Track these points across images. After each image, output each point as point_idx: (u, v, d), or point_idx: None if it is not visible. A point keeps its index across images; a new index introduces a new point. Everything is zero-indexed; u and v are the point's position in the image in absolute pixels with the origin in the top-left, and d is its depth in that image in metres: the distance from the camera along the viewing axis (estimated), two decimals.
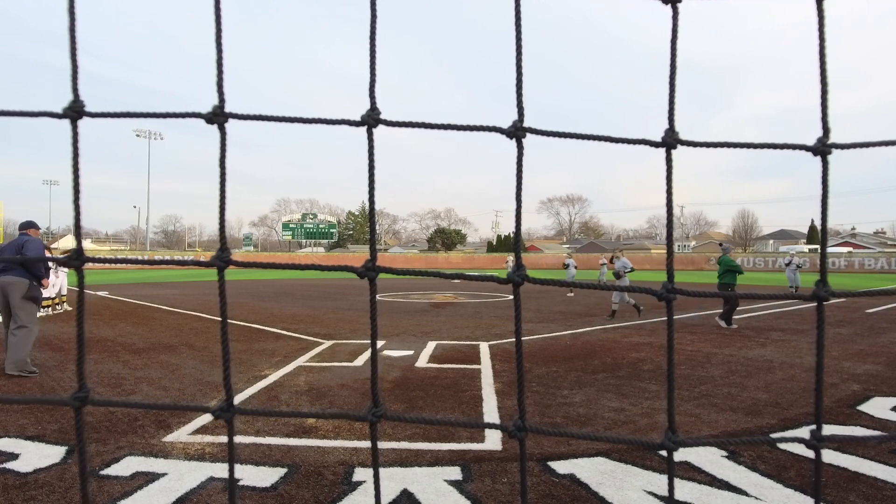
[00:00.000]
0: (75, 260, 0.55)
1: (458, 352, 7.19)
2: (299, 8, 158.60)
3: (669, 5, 0.56)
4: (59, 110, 0.54)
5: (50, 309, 11.71)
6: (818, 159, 0.62)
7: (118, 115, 0.57)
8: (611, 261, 12.56)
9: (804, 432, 4.07)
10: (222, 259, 0.59)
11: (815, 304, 0.61)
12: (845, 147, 0.58)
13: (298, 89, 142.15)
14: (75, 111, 0.54)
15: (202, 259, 0.69)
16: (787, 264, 18.10)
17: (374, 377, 0.64)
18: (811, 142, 0.63)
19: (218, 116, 0.58)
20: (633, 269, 11.83)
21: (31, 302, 5.81)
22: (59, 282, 11.79)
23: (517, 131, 0.60)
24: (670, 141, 0.59)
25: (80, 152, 0.53)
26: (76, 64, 0.54)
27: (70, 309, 12.07)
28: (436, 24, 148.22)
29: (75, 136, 0.54)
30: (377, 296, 0.70)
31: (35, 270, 5.84)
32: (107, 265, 38.77)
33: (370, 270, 0.62)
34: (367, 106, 0.63)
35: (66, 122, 0.57)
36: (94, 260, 0.61)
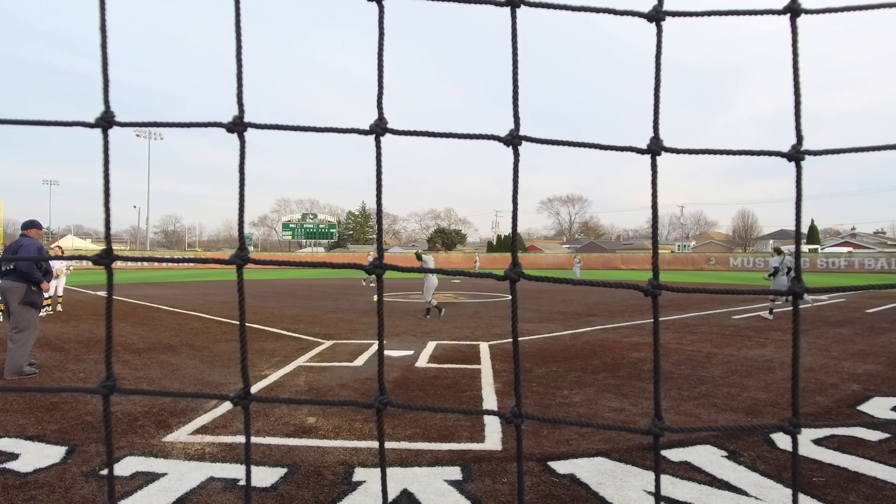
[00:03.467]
0: (104, 258, 0.58)
1: (458, 352, 7.21)
2: (300, 10, 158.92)
3: (654, 24, 0.59)
4: (90, 119, 0.57)
5: (51, 308, 11.73)
6: (818, 159, 0.66)
7: (145, 125, 0.60)
8: (418, 258, 11.91)
9: (804, 432, 4.10)
10: (241, 257, 0.62)
11: (805, 301, 0.64)
12: (818, 153, 0.61)
13: (299, 89, 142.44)
14: (106, 121, 0.57)
15: (207, 258, 0.72)
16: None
17: (381, 367, 0.67)
18: (808, 144, 0.66)
19: (238, 126, 0.61)
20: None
21: (30, 307, 5.72)
22: (54, 283, 11.69)
23: (514, 139, 0.63)
24: (655, 148, 0.62)
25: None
26: (107, 78, 0.57)
27: (61, 311, 12.00)
28: (434, 25, 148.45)
29: (106, 144, 0.57)
30: (374, 296, 0.74)
31: (30, 276, 5.67)
32: (138, 264, 38.66)
33: (378, 268, 0.65)
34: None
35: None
36: (122, 258, 0.64)
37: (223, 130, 0.64)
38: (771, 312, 11.73)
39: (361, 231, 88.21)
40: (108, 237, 0.58)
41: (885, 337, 8.67)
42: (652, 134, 0.61)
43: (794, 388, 0.60)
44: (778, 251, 12.64)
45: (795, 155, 0.59)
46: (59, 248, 17.29)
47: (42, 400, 4.58)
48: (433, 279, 11.00)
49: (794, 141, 0.64)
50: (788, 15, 0.58)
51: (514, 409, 0.63)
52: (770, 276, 12.19)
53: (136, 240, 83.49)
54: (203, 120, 0.65)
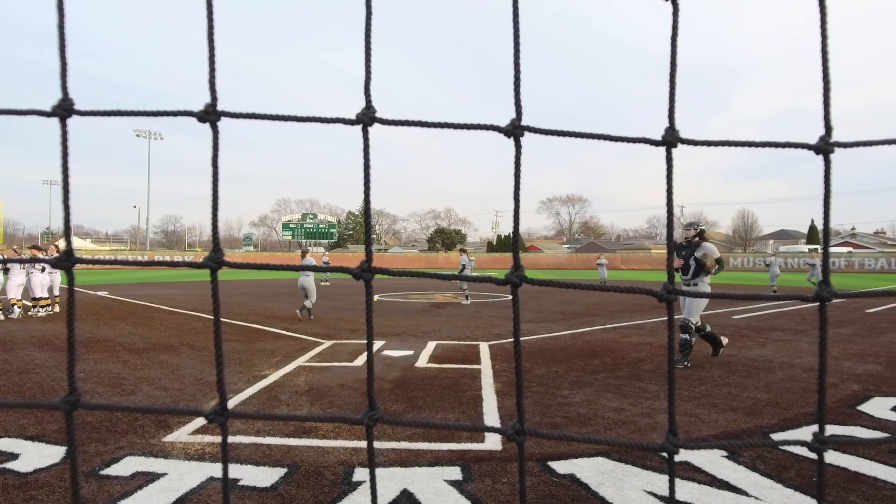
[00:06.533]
0: (65, 261, 0.54)
1: (458, 352, 7.19)
2: (300, 11, 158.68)
3: (670, 3, 0.55)
4: (48, 108, 0.53)
5: (50, 308, 11.69)
6: (819, 159, 0.62)
7: (108, 114, 0.57)
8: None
9: (804, 433, 4.06)
10: (215, 260, 0.59)
11: (819, 305, 0.60)
12: (848, 146, 0.57)
13: (300, 90, 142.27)
14: (64, 109, 0.53)
15: (199, 259, 0.68)
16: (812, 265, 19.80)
17: (371, 380, 0.63)
18: (810, 141, 0.63)
19: (210, 115, 0.57)
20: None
21: None
22: (48, 281, 11.54)
23: (515, 130, 0.59)
24: (670, 139, 0.58)
25: (73, 151, 0.53)
26: (65, 61, 0.53)
27: (58, 311, 11.89)
28: (433, 25, 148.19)
29: (64, 134, 0.53)
30: (375, 296, 0.70)
31: None
32: (104, 266, 38.72)
33: (365, 272, 0.61)
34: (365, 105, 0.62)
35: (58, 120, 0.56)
36: (83, 261, 0.61)
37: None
38: (467, 298, 13.68)
39: (361, 231, 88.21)
40: (67, 237, 0.54)
41: (885, 337, 8.63)
42: (667, 124, 0.57)
43: (820, 402, 0.57)
44: (463, 251, 15.06)
45: (824, 147, 0.55)
46: (15, 250, 17.27)
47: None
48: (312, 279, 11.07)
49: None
50: None
51: (515, 424, 0.59)
52: (461, 271, 13.77)
53: (136, 240, 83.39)
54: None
